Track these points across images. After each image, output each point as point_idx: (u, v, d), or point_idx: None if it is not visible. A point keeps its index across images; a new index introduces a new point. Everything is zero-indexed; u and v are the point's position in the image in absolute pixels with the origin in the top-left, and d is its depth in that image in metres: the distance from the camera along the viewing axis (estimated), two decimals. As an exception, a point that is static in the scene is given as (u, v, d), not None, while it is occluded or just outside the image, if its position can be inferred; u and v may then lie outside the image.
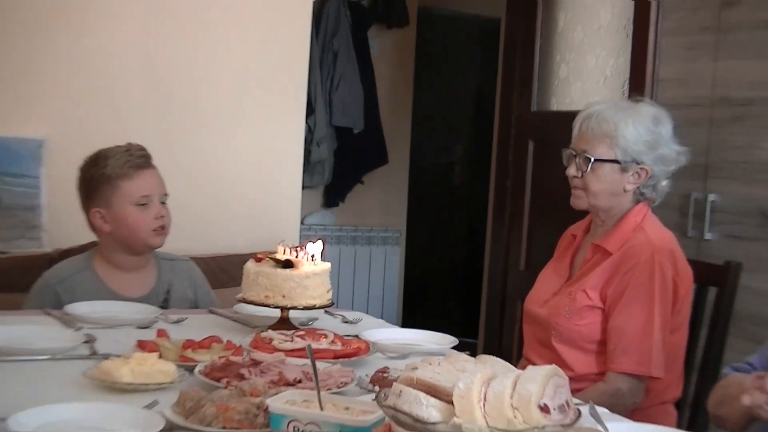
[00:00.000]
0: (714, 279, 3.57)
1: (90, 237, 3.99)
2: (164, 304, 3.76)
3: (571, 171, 3.45)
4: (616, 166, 3.38)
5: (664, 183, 3.47)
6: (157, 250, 3.82)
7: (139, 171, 3.69)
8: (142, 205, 3.67)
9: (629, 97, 4.97)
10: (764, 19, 4.63)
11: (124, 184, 3.66)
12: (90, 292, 3.65)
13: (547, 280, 3.64)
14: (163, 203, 3.75)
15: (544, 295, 3.57)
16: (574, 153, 3.44)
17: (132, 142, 3.75)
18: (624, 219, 3.43)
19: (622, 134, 3.35)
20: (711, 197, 4.81)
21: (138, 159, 3.70)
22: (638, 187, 3.43)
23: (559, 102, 5.80)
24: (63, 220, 4.48)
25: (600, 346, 3.36)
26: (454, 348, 3.10)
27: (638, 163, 3.38)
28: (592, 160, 3.37)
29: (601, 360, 3.36)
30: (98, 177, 3.68)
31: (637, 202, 3.46)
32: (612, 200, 3.43)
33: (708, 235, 4.88)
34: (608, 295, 3.33)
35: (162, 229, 3.72)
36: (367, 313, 3.94)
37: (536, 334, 3.54)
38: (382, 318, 3.84)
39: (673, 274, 3.33)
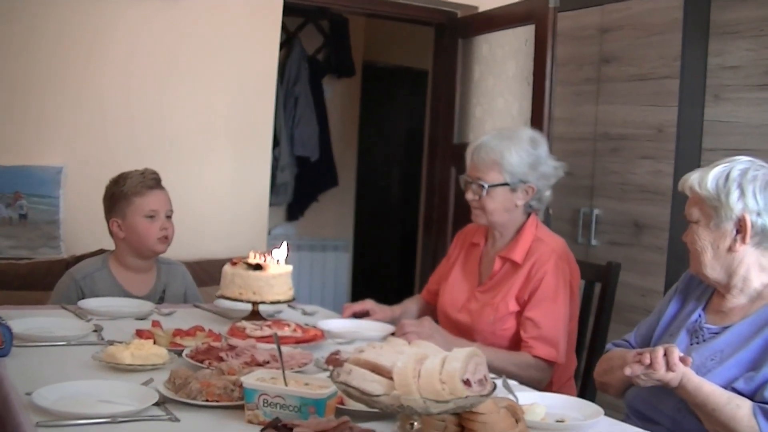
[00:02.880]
0: (599, 277, 3.57)
1: (98, 246, 3.97)
2: (161, 301, 3.74)
3: (469, 196, 3.35)
4: (506, 187, 3.29)
5: (547, 193, 3.40)
6: (159, 255, 3.78)
7: (150, 190, 3.68)
8: (150, 217, 3.65)
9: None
10: (632, 74, 4.69)
11: (137, 200, 3.65)
12: (105, 287, 3.63)
13: (457, 286, 3.53)
14: (168, 217, 3.73)
15: (459, 299, 3.47)
16: (470, 180, 3.34)
17: (148, 167, 3.74)
18: (522, 231, 3.36)
19: (508, 161, 3.26)
20: (596, 211, 4.84)
21: (150, 181, 3.70)
22: (527, 202, 3.36)
23: (476, 136, 5.75)
24: (77, 232, 4.49)
25: (515, 336, 3.27)
26: (390, 335, 3.09)
27: (525, 182, 3.30)
28: (486, 186, 3.28)
29: (514, 346, 3.26)
30: (118, 193, 3.67)
31: (528, 214, 3.39)
32: (506, 215, 3.35)
33: (594, 242, 4.91)
34: (522, 296, 3.25)
35: (165, 239, 3.70)
36: (322, 306, 3.92)
37: (458, 335, 3.32)
38: (334, 310, 3.80)
39: (570, 274, 3.30)
